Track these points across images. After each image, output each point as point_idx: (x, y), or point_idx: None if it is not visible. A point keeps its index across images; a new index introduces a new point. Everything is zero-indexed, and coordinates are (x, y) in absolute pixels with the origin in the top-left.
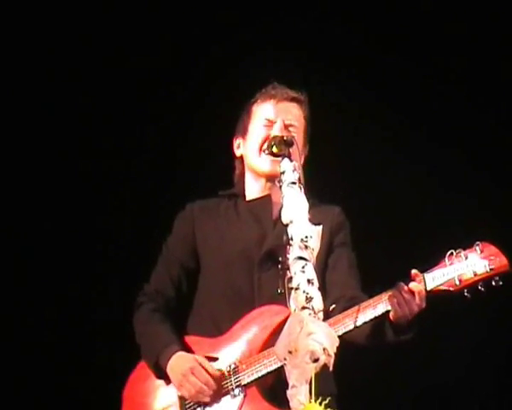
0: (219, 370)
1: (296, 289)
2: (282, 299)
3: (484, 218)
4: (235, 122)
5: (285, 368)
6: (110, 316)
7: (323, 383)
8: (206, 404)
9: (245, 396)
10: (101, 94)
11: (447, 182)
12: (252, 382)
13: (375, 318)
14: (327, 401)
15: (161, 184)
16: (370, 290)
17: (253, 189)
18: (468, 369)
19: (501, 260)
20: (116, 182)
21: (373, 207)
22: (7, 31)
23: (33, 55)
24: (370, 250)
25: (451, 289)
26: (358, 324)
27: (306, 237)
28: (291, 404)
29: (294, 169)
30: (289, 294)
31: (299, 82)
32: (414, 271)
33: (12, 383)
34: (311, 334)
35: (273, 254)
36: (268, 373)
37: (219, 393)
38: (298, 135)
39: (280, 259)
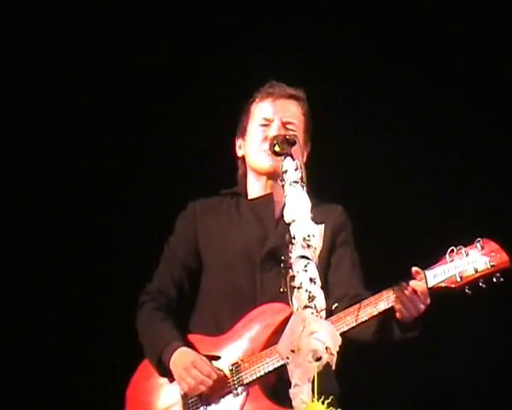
0: (221, 369)
1: (298, 288)
2: (284, 298)
3: (485, 214)
4: (236, 121)
5: (287, 367)
6: (113, 315)
7: (326, 383)
8: (208, 402)
9: (247, 395)
10: (102, 94)
11: (447, 179)
12: (254, 380)
13: (377, 315)
14: (329, 400)
15: (163, 183)
16: (372, 288)
17: (255, 188)
18: (469, 367)
19: (502, 257)
20: (117, 182)
21: (373, 205)
22: (7, 31)
23: (33, 55)
24: (371, 248)
25: (452, 285)
26: (360, 321)
27: (309, 235)
28: (293, 403)
29: (297, 168)
30: (292, 293)
31: (299, 81)
32: (415, 268)
33: (14, 383)
34: (314, 333)
35: (275, 254)
36: (270, 372)
37: (221, 388)
38: (297, 132)
39: (282, 258)
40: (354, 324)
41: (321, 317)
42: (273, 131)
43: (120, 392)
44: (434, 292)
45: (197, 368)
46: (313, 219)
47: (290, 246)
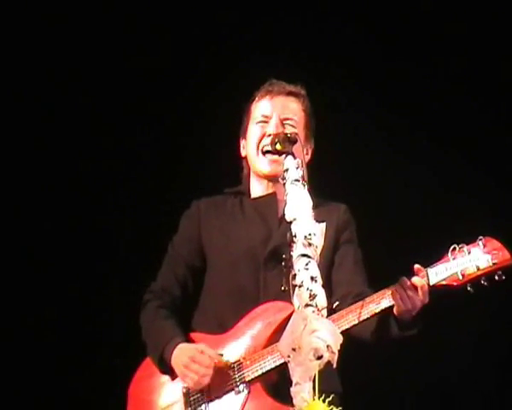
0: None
1: (300, 286)
2: (286, 296)
3: (486, 212)
4: (237, 120)
5: (289, 365)
6: (115, 314)
7: (328, 382)
8: (210, 399)
9: (249, 392)
10: (103, 95)
11: (449, 177)
12: (256, 378)
13: (379, 313)
14: (330, 399)
15: (165, 182)
16: (374, 286)
17: (258, 188)
18: (471, 364)
19: (504, 255)
20: (121, 181)
21: (375, 204)
22: (9, 31)
23: (34, 55)
24: (374, 246)
25: (455, 283)
26: (362, 319)
27: (310, 234)
28: (294, 401)
29: (298, 166)
30: (293, 291)
31: (302, 79)
32: (417, 266)
33: (17, 383)
34: (315, 331)
35: (278, 253)
36: (272, 369)
37: (223, 384)
38: (297, 129)
39: (284, 256)
40: (356, 321)
41: (322, 315)
42: (271, 128)
43: (122, 391)
44: (436, 290)
45: (197, 362)
46: (317, 218)
47: (291, 244)
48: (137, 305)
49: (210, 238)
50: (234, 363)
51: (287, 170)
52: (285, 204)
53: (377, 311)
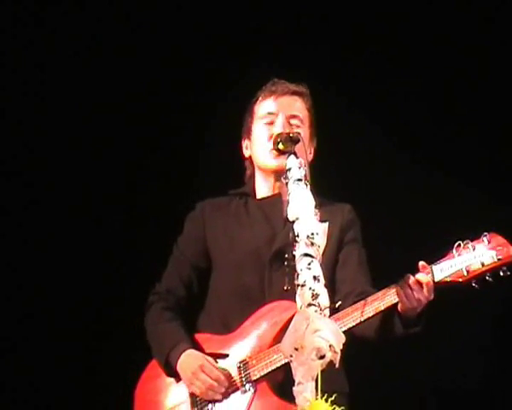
0: (228, 368)
1: (302, 285)
2: (292, 296)
3: (491, 208)
4: (239, 121)
5: (291, 365)
6: (121, 315)
7: (334, 382)
8: (216, 399)
9: (255, 391)
10: (104, 96)
11: (454, 174)
12: (262, 377)
13: (383, 310)
14: (333, 398)
15: (169, 184)
16: (378, 283)
17: (263, 188)
18: (481, 361)
19: (508, 251)
20: (125, 184)
21: (379, 202)
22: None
23: (38, 57)
24: (378, 243)
25: (460, 280)
26: (366, 317)
27: (312, 233)
28: (297, 401)
29: (300, 166)
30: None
31: (305, 79)
32: (422, 262)
33: (22, 382)
34: (317, 331)
35: (283, 253)
36: (278, 368)
37: (229, 386)
38: (303, 127)
39: (286, 256)
40: (360, 319)
41: (324, 315)
42: (278, 127)
43: (129, 392)
44: (442, 287)
45: (205, 372)
46: (321, 217)
47: (294, 244)
48: (144, 303)
49: (215, 239)
50: (240, 362)
51: (289, 169)
52: (287, 203)
53: (382, 308)
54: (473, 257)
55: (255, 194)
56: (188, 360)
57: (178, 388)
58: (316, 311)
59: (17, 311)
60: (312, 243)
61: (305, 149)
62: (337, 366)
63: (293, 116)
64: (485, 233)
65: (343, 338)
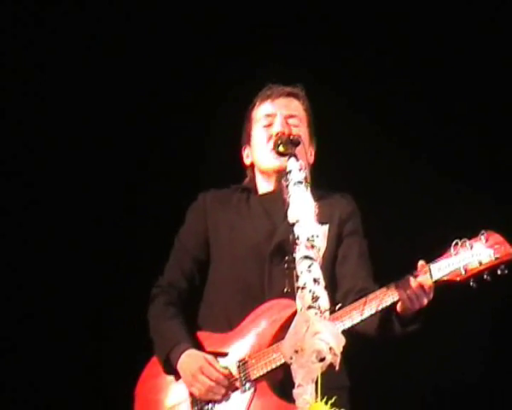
0: (228, 367)
1: (302, 288)
2: (291, 293)
3: (489, 206)
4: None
5: (291, 367)
6: (121, 315)
7: (335, 376)
8: (216, 400)
9: (255, 391)
10: (105, 96)
11: (451, 172)
12: (261, 376)
13: (382, 309)
14: (333, 400)
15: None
16: (376, 282)
17: (265, 186)
18: (481, 360)
19: (506, 249)
20: (125, 184)
21: (380, 200)
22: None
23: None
24: (375, 241)
25: (457, 278)
26: (365, 316)
27: (313, 236)
28: (297, 403)
29: (301, 168)
30: (297, 292)
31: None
32: (421, 262)
33: (22, 382)
34: (318, 333)
35: (283, 248)
36: (278, 367)
37: (229, 389)
38: (301, 126)
39: (286, 258)
40: (359, 318)
41: (325, 317)
42: (276, 127)
43: (129, 391)
44: (439, 285)
45: (205, 374)
46: (320, 211)
47: (294, 246)
48: (145, 302)
49: (215, 231)
50: (239, 361)
51: (290, 172)
52: (288, 206)
53: (380, 308)
54: (470, 256)
55: (257, 191)
56: (188, 360)
57: (178, 387)
58: (316, 313)
59: (17, 311)
60: (312, 246)
61: (306, 151)
62: (337, 368)
63: (291, 116)
64: (483, 231)
65: (343, 341)
